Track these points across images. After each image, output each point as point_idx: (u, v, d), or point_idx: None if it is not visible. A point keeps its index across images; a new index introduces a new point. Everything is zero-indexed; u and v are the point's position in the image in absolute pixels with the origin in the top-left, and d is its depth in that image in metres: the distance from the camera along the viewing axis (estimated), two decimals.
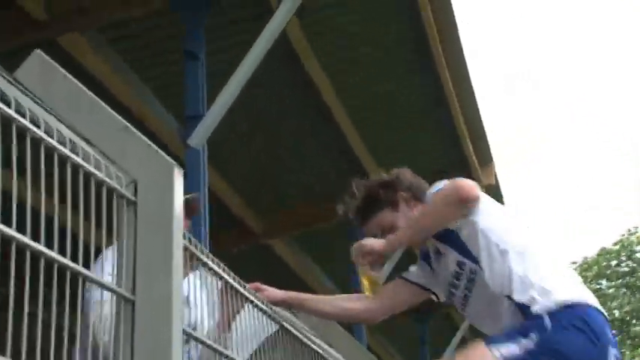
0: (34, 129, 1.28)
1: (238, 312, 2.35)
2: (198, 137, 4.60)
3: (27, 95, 1.33)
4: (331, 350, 2.95)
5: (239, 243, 7.88)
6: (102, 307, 2.24)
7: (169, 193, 1.55)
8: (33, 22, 5.09)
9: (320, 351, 2.86)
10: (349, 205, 2.66)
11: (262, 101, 6.70)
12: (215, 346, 1.84)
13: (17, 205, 1.21)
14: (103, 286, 1.43)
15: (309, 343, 2.78)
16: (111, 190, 1.48)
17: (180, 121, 5.40)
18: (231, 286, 2.22)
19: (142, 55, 5.89)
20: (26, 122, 1.26)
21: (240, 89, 4.95)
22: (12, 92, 1.28)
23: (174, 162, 1.58)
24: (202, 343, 1.75)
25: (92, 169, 1.43)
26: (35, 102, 1.35)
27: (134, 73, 5.97)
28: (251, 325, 2.43)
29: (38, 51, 1.49)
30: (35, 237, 1.25)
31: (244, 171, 7.67)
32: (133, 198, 1.52)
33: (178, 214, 1.56)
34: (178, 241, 1.54)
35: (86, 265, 1.37)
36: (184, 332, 1.57)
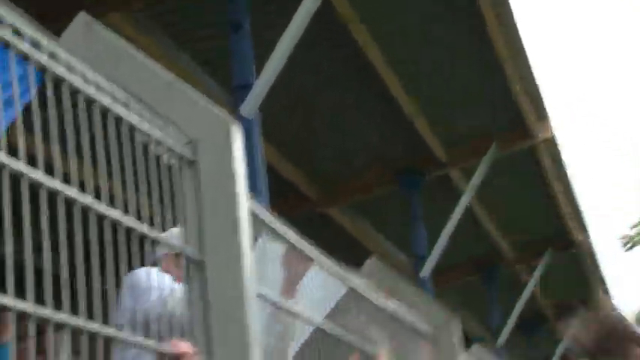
0: (87, 88, 1.23)
1: (304, 275, 2.30)
2: (250, 106, 4.56)
3: (76, 57, 1.29)
4: (402, 308, 2.90)
5: (296, 212, 7.86)
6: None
7: (229, 151, 1.50)
8: (75, 1, 5.08)
9: (391, 310, 2.81)
10: (577, 339, 2.46)
11: (310, 67, 6.63)
12: (288, 306, 1.79)
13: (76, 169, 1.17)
14: (172, 248, 1.39)
15: (379, 303, 2.72)
16: (169, 151, 1.43)
17: (229, 92, 5.36)
18: (297, 249, 2.17)
19: (186, 28, 5.85)
20: (79, 81, 1.21)
21: (287, 55, 4.88)
22: (62, 54, 1.23)
23: (230, 118, 1.52)
24: (274, 304, 1.70)
25: (149, 129, 1.38)
26: (85, 64, 1.30)
27: (179, 46, 5.93)
28: (320, 289, 2.38)
29: (83, 12, 1.44)
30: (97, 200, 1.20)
31: (297, 139, 7.64)
32: (192, 158, 1.47)
33: (240, 171, 1.51)
34: (243, 199, 1.49)
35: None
36: (257, 294, 1.52)
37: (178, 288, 2.26)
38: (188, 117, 1.49)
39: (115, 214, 1.24)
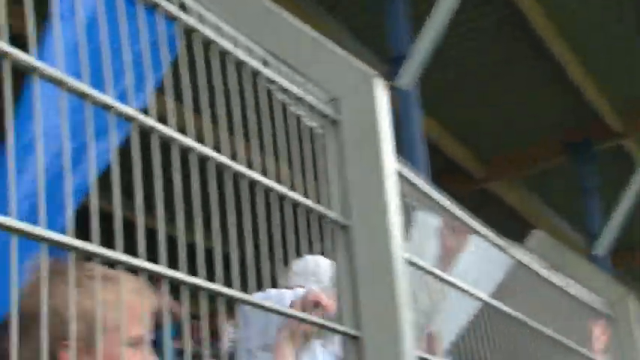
0: (220, 40, 1.17)
1: (462, 249, 2.18)
2: (406, 78, 4.44)
3: (210, 10, 1.23)
4: (575, 284, 2.70)
5: (458, 189, 7.67)
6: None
7: (374, 109, 1.40)
8: None
9: (563, 286, 2.62)
10: None
11: (470, 37, 6.41)
12: (443, 275, 1.67)
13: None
14: (315, 213, 1.31)
15: (550, 278, 2.55)
16: (310, 109, 1.35)
17: (386, 64, 5.26)
18: (454, 219, 2.05)
19: None
20: (211, 33, 1.16)
21: (444, 25, 4.72)
22: (193, 6, 1.18)
23: (375, 73, 1.42)
24: (427, 271, 1.60)
25: (288, 85, 1.31)
26: (219, 17, 1.24)
27: (330, 14, 5.88)
28: (482, 263, 2.25)
29: None
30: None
31: (458, 114, 7.43)
32: (335, 116, 1.39)
33: (386, 130, 1.41)
34: (389, 159, 1.39)
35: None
36: (406, 260, 1.42)
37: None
38: (330, 74, 1.41)
39: (254, 175, 1.18)
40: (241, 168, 1.16)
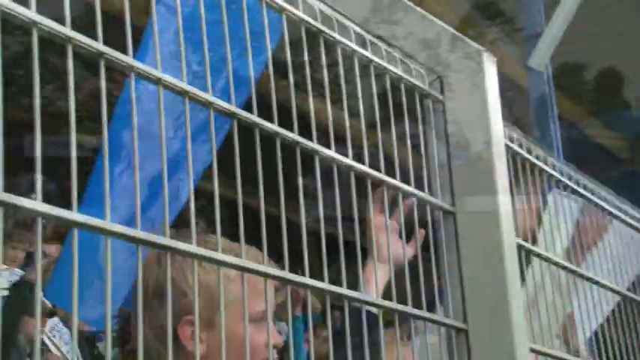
0: (311, 20, 1.13)
1: (601, 236, 2.03)
2: (539, 58, 4.24)
3: None
4: None
5: (604, 169, 7.28)
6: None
7: (482, 86, 1.32)
8: None
9: None
10: None
11: (609, 14, 6.06)
12: (568, 265, 1.56)
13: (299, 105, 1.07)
14: (418, 198, 1.25)
15: None
16: (412, 89, 1.29)
17: (518, 43, 5.06)
18: (595, 203, 1.91)
19: None
20: (302, 14, 1.11)
21: (579, 1, 4.47)
22: None
23: (482, 48, 1.34)
24: (546, 260, 1.49)
25: (387, 65, 1.24)
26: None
27: None
28: (624, 251, 2.09)
29: None
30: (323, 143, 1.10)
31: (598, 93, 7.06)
32: (439, 96, 1.31)
33: (495, 109, 1.32)
34: (499, 137, 1.30)
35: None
36: (519, 246, 1.33)
37: None
38: (432, 51, 1.33)
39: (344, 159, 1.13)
40: (336, 155, 1.11)
